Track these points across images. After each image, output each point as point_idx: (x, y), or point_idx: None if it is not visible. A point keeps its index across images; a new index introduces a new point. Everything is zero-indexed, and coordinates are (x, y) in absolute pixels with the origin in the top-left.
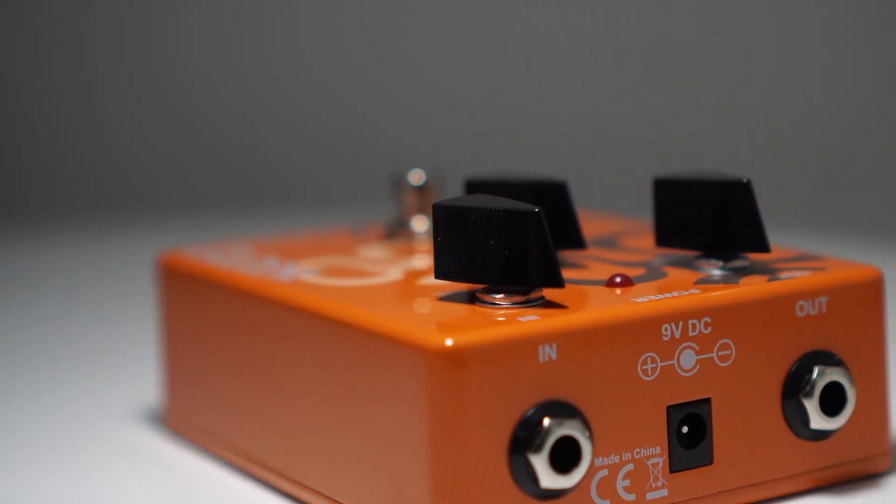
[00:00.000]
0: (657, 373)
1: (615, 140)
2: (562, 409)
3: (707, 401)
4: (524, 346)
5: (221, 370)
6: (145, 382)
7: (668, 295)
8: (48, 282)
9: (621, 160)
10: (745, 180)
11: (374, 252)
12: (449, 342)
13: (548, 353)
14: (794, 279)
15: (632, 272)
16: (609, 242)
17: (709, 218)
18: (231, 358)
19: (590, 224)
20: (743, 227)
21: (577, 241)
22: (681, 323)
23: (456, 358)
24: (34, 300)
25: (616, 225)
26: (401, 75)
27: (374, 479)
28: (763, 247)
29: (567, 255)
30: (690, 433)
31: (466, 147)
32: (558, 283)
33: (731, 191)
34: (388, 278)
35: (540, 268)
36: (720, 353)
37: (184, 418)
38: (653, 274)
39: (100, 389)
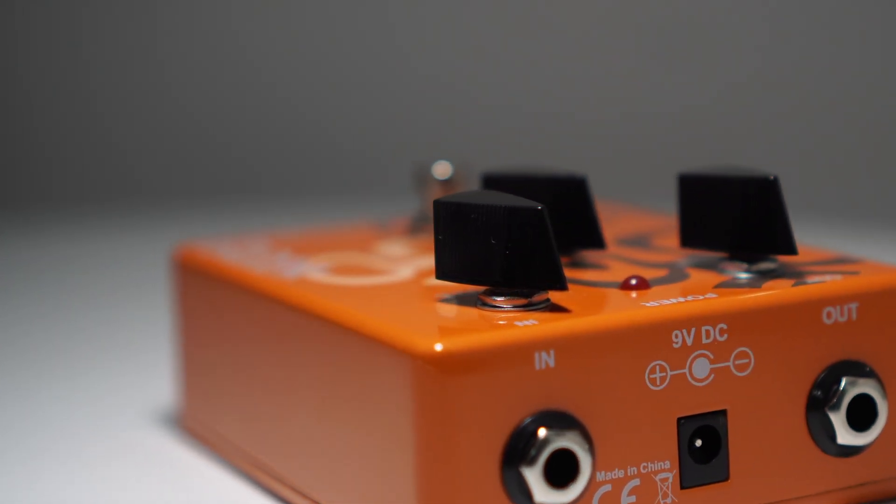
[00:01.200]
0: (666, 382)
1: (649, 129)
2: (559, 420)
3: (722, 413)
4: (519, 353)
5: (228, 370)
6: (161, 382)
7: (680, 299)
8: (63, 276)
9: (656, 149)
10: (771, 177)
11: (394, 248)
12: (438, 347)
13: (545, 360)
14: (821, 283)
15: (653, 274)
16: (639, 241)
17: (734, 217)
18: (237, 358)
19: (624, 220)
20: (769, 227)
21: (596, 241)
22: (693, 329)
23: (445, 364)
24: (46, 295)
25: (652, 222)
26: (427, 64)
27: (362, 488)
28: (790, 249)
29: (588, 254)
30: (704, 447)
31: (495, 138)
32: (561, 285)
33: (756, 188)
34: (397, 277)
35: (542, 269)
36: (737, 363)
37: (197, 420)
38: (674, 276)
39: (114, 389)
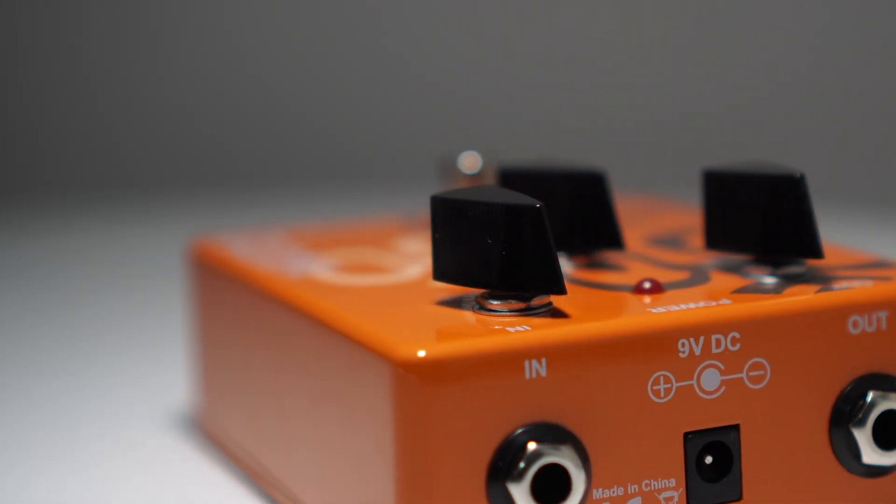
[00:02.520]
0: (672, 394)
1: (685, 119)
2: (551, 433)
3: (734, 428)
4: (507, 361)
5: (235, 369)
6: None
7: (691, 305)
8: (77, 268)
9: (703, 139)
10: (798, 175)
11: (412, 245)
12: (421, 353)
13: (535, 368)
14: (848, 290)
15: (673, 277)
16: (672, 241)
17: (759, 217)
18: (241, 357)
19: (663, 217)
20: (795, 228)
21: (614, 240)
22: (701, 338)
23: (426, 371)
24: (58, 289)
25: (693, 219)
26: (451, 53)
27: (345, 497)
28: (815, 252)
29: (610, 255)
30: (715, 464)
31: (522, 129)
32: (559, 289)
33: (782, 187)
34: (403, 277)
35: (539, 271)
36: (751, 374)
37: (210, 420)
38: (695, 279)
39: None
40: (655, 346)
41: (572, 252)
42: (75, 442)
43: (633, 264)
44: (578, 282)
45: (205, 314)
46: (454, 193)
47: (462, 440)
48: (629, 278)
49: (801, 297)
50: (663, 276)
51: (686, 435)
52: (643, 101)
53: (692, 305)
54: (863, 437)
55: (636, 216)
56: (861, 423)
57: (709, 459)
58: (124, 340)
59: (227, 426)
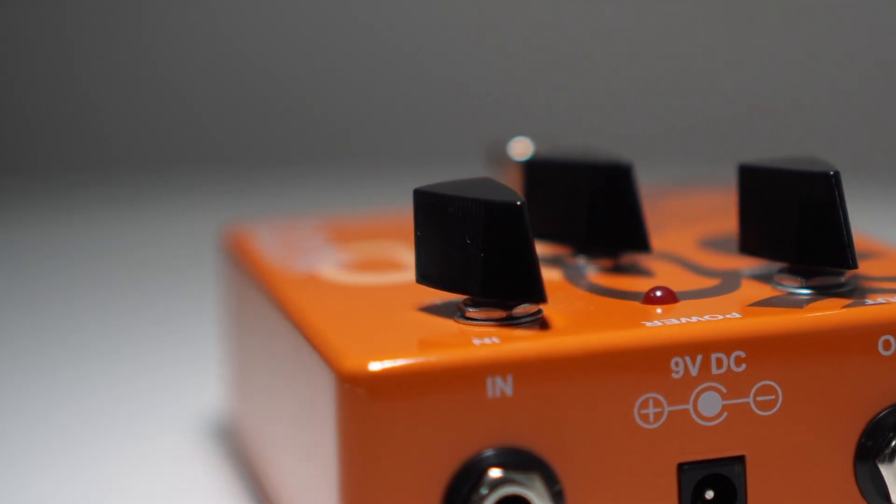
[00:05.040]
0: (663, 419)
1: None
2: (516, 460)
3: (739, 459)
4: (467, 377)
5: (249, 370)
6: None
7: (693, 319)
8: (107, 254)
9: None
10: (830, 172)
11: None
12: (372, 366)
13: (500, 386)
14: (881, 306)
15: (701, 284)
16: (726, 243)
17: (792, 220)
18: (250, 356)
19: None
20: (825, 233)
21: (637, 242)
22: (699, 357)
23: (374, 386)
24: (84, 276)
25: None
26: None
27: None
28: (843, 260)
29: (640, 258)
30: (717, 500)
31: (583, 113)
32: (538, 297)
33: (813, 186)
34: (409, 277)
35: (518, 276)
36: (759, 399)
37: (236, 426)
38: (723, 288)
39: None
40: (643, 364)
41: (593, 254)
42: (97, 446)
43: (663, 269)
44: (593, 288)
45: (228, 308)
46: (437, 186)
47: (415, 464)
48: (649, 285)
49: (822, 313)
50: (691, 284)
51: (681, 466)
52: (720, 84)
53: (694, 319)
54: (891, 475)
55: (704, 213)
56: (889, 458)
57: (710, 494)
58: (161, 332)
59: (244, 432)
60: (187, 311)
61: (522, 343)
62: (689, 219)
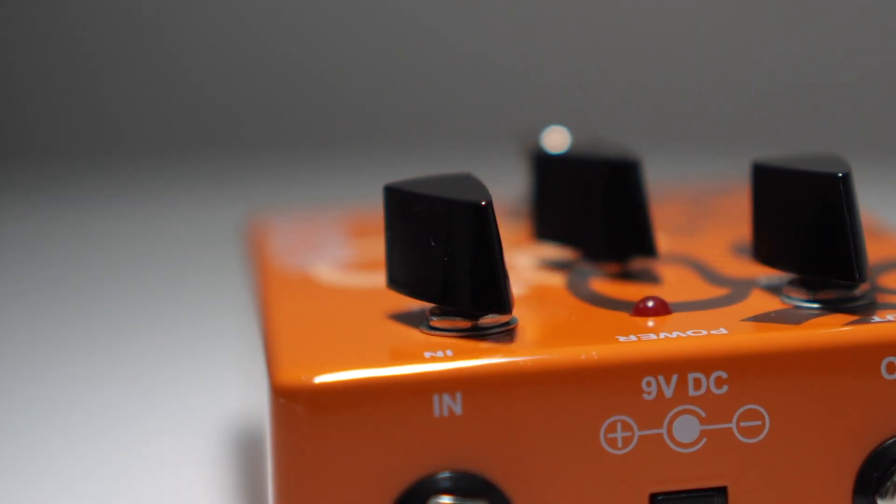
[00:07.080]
0: (632, 444)
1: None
2: (465, 485)
3: (720, 491)
4: (412, 394)
5: (254, 367)
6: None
7: (675, 334)
8: (125, 242)
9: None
10: (839, 174)
11: None
12: (318, 379)
13: (447, 405)
14: (887, 324)
15: (708, 294)
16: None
17: (800, 226)
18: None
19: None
20: (831, 241)
21: (643, 246)
22: (673, 377)
23: (310, 401)
24: (101, 268)
25: None
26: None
27: None
28: (849, 274)
29: (652, 263)
30: None
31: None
32: (501, 306)
33: (820, 188)
34: None
35: (481, 282)
36: (743, 424)
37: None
38: (728, 299)
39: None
40: (611, 383)
41: (598, 258)
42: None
43: (673, 276)
44: (588, 296)
45: (247, 299)
46: (408, 183)
47: (355, 487)
48: (649, 294)
49: (817, 331)
50: (698, 293)
51: (654, 497)
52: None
53: (674, 335)
54: None
55: (742, 215)
56: (888, 494)
57: None
58: (178, 325)
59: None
60: (205, 303)
61: (474, 358)
62: (738, 219)
